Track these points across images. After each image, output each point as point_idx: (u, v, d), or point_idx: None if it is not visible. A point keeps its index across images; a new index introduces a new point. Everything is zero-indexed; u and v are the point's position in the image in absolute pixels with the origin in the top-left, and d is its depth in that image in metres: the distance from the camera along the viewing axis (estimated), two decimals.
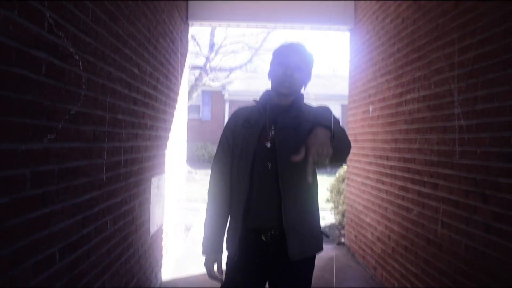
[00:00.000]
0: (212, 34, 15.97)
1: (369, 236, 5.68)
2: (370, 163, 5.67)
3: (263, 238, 2.14)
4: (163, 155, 4.85)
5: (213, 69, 16.73)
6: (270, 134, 2.15)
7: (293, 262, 2.11)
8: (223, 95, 22.48)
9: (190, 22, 6.68)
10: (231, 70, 17.43)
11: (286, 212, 2.08)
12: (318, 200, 2.26)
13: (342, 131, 1.95)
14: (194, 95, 16.94)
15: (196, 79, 15.98)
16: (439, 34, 3.68)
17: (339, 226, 7.88)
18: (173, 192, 5.51)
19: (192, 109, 21.67)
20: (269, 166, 2.11)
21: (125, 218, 3.36)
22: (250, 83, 23.32)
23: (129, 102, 3.35)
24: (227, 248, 2.25)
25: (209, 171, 8.51)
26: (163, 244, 4.91)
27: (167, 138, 5.03)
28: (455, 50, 3.38)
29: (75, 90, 2.30)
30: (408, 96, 4.37)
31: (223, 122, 22.46)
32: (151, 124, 4.14)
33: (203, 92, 22.67)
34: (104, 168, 2.80)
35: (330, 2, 6.60)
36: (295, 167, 2.00)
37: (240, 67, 16.81)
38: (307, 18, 6.70)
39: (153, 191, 4.32)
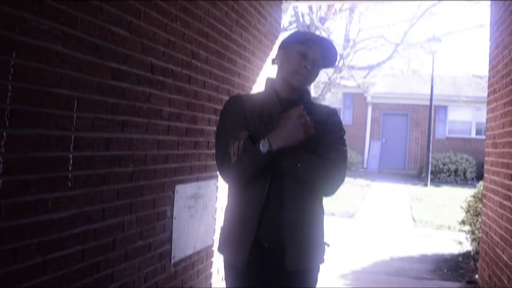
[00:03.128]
0: (346, 30, 14.67)
1: (505, 280, 4.01)
2: None
3: (266, 246, 2.02)
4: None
5: (350, 67, 15.38)
6: None
7: (292, 273, 2.01)
8: (365, 98, 20.89)
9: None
10: (370, 68, 15.87)
11: (289, 219, 1.99)
12: (323, 204, 2.12)
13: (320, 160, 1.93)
14: (328, 95, 15.77)
15: (329, 78, 14.78)
16: None
17: (476, 256, 6.09)
18: None
19: None
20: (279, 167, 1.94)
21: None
22: (395, 85, 21.38)
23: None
24: (230, 256, 2.08)
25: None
26: (210, 271, 3.88)
27: None
28: None
29: None
30: None
31: (365, 127, 20.92)
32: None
33: (344, 94, 21.45)
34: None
35: None
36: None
37: (378, 64, 15.17)
38: None
39: (179, 202, 3.31)
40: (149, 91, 2.89)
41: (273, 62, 2.11)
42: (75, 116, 2.26)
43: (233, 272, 2.10)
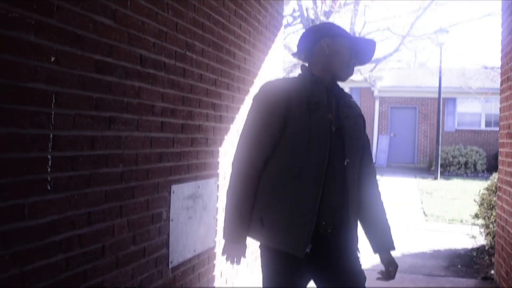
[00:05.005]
0: (352, 23, 14.42)
1: None
2: None
3: (327, 231, 2.04)
4: (210, 153, 3.62)
5: None
6: (337, 122, 2.04)
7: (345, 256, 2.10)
8: (372, 92, 20.60)
9: None
10: (376, 61, 15.61)
11: (351, 205, 2.07)
12: None
13: None
14: None
15: None
16: None
17: (491, 250, 5.86)
18: None
19: None
20: (338, 156, 2.02)
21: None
22: (403, 78, 21.07)
23: None
24: (286, 246, 1.99)
25: None
26: (212, 274, 3.68)
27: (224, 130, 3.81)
28: None
29: None
30: None
31: (373, 122, 20.64)
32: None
33: (351, 89, 21.14)
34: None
35: None
36: (357, 160, 2.10)
37: (385, 57, 14.90)
38: None
39: (176, 203, 3.11)
40: (138, 85, 2.69)
41: (301, 50, 2.16)
42: (53, 113, 2.06)
43: (286, 264, 2.04)
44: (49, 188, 2.04)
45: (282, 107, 1.97)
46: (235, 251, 2.07)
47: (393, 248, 2.20)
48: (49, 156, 2.04)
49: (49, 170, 2.04)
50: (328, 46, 2.09)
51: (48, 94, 2.04)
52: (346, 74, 2.12)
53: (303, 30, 12.45)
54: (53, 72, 2.06)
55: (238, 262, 2.09)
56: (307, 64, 2.18)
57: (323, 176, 1.97)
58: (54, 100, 2.07)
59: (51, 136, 2.05)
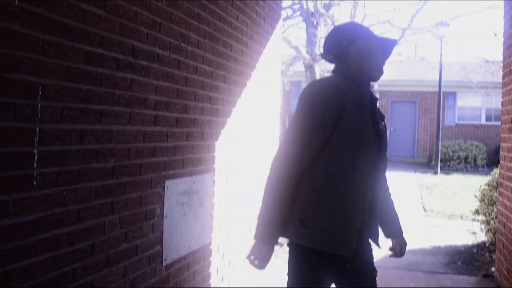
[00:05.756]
0: (352, 16, 14.29)
1: None
2: None
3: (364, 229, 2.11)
4: (205, 147, 3.53)
5: None
6: (375, 123, 2.10)
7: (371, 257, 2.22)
8: (372, 86, 20.49)
9: None
10: None
11: (379, 203, 2.18)
12: None
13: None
14: None
15: None
16: None
17: (492, 247, 5.79)
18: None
19: None
20: (375, 158, 2.07)
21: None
22: (403, 72, 20.95)
23: None
24: (333, 247, 2.00)
25: None
26: (208, 271, 3.60)
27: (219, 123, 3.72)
28: None
29: None
30: None
31: None
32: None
33: None
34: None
35: None
36: (385, 159, 2.20)
37: None
38: None
39: (171, 199, 3.03)
40: (131, 77, 2.60)
41: (330, 50, 2.15)
42: (39, 105, 1.97)
43: (325, 264, 2.05)
44: (35, 184, 1.96)
45: (336, 107, 1.95)
46: (264, 253, 1.98)
47: (402, 234, 2.47)
48: (35, 151, 1.95)
49: (35, 165, 1.96)
50: (364, 47, 2.11)
51: (34, 86, 1.95)
52: (378, 74, 2.16)
53: (303, 23, 12.21)
54: (40, 63, 1.97)
55: (264, 266, 2.01)
56: (335, 65, 2.19)
57: (369, 176, 2.03)
58: (40, 93, 1.98)
59: (37, 130, 1.96)
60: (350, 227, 2.01)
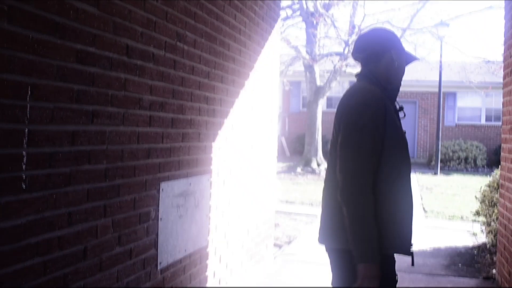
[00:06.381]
0: (351, 16, 14.24)
1: None
2: None
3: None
4: (202, 148, 3.47)
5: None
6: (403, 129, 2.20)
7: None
8: None
9: None
10: None
11: None
12: None
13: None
14: (333, 84, 15.39)
15: (335, 66, 14.39)
16: None
17: (493, 249, 5.74)
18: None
19: (336, 101, 20.10)
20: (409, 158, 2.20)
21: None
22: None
23: None
24: (400, 248, 2.10)
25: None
26: (204, 274, 3.54)
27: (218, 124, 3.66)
28: None
29: None
30: None
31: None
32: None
33: (351, 83, 20.92)
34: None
35: None
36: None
37: None
38: None
39: (166, 201, 2.97)
40: (124, 77, 2.54)
41: (368, 55, 2.18)
42: (28, 106, 1.91)
43: (391, 265, 2.16)
44: (24, 187, 1.89)
45: (384, 115, 2.04)
46: (376, 272, 1.96)
47: None
48: (23, 153, 1.89)
49: (24, 167, 1.89)
50: (397, 59, 2.19)
51: (23, 86, 1.89)
52: (399, 86, 2.28)
53: (303, 23, 12.11)
54: (29, 62, 1.91)
55: (378, 284, 1.98)
56: (362, 68, 2.26)
57: (410, 176, 2.17)
58: (30, 93, 1.92)
59: (26, 131, 1.90)
60: (409, 226, 2.13)
